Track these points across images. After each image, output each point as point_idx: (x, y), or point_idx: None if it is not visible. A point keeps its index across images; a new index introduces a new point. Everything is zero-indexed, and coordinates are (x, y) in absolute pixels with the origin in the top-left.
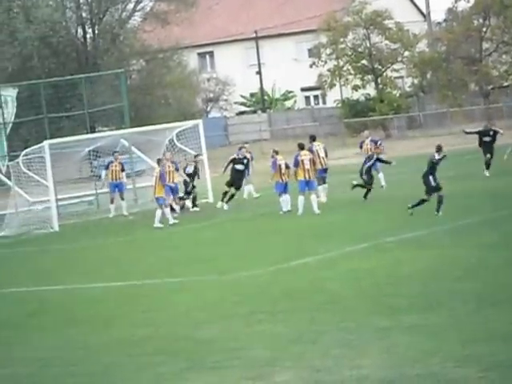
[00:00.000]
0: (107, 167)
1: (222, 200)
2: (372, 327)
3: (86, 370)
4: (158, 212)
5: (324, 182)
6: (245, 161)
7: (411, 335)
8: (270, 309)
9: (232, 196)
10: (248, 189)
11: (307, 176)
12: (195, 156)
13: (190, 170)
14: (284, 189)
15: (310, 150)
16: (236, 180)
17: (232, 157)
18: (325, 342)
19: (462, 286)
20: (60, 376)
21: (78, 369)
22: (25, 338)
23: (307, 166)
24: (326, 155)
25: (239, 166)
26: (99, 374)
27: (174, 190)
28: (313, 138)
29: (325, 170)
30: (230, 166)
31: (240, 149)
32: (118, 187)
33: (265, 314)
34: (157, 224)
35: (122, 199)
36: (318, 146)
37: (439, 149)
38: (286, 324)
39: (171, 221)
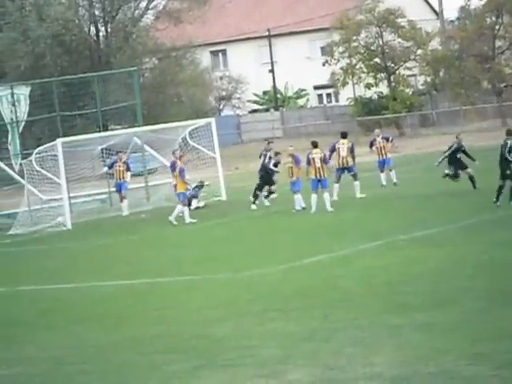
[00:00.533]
0: (111, 167)
1: (254, 202)
2: (385, 325)
3: (98, 368)
4: (181, 208)
5: (338, 181)
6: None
7: (424, 333)
8: (282, 307)
9: (271, 192)
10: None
11: (318, 174)
12: (268, 143)
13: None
14: (298, 187)
15: (333, 147)
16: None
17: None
18: (338, 340)
19: (474, 283)
20: (72, 374)
21: (89, 367)
22: (36, 336)
23: (318, 165)
24: (352, 153)
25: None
26: (111, 372)
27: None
28: (343, 135)
29: (345, 169)
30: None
31: (268, 144)
32: (120, 186)
33: (277, 311)
34: (188, 220)
35: (122, 199)
36: (342, 144)
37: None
38: (298, 322)
39: (187, 220)
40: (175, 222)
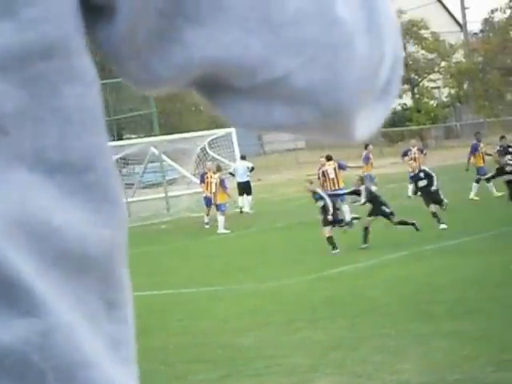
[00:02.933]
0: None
1: None
2: (411, 333)
3: None
4: (221, 218)
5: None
6: None
7: (450, 341)
8: (309, 316)
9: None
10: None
11: (333, 186)
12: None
13: None
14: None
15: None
16: None
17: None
18: (365, 349)
19: (502, 292)
20: None
21: None
22: None
23: (332, 176)
24: (343, 169)
25: None
26: None
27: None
28: (328, 158)
29: (336, 195)
30: None
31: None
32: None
33: (304, 321)
34: (221, 230)
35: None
36: (328, 166)
37: None
38: (325, 331)
39: (221, 230)
40: (226, 231)
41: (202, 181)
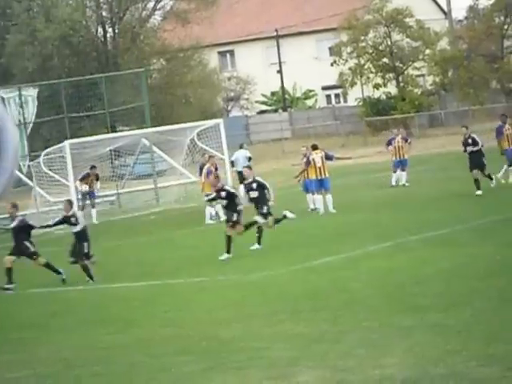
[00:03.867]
0: (83, 178)
1: None
2: (395, 326)
3: (109, 370)
4: (208, 209)
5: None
6: None
7: (434, 334)
8: (292, 308)
9: None
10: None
11: (319, 174)
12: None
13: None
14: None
15: (307, 159)
16: None
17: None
18: (348, 342)
19: (486, 284)
20: (83, 376)
21: (100, 369)
22: (48, 338)
23: (319, 164)
24: (330, 159)
25: None
26: (122, 374)
27: None
28: (314, 147)
29: (322, 181)
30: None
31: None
32: (89, 195)
33: (287, 313)
34: (208, 221)
35: (93, 207)
36: (315, 154)
37: None
38: (308, 324)
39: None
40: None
41: (201, 173)
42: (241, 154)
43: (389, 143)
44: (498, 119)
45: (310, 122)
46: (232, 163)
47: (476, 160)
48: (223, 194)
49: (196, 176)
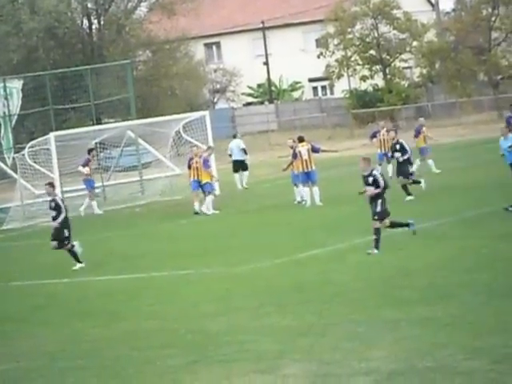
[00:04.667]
0: (86, 165)
1: None
2: (381, 320)
3: (94, 363)
4: (208, 199)
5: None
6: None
7: (421, 327)
8: (278, 301)
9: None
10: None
11: (306, 167)
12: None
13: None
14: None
15: (294, 152)
16: None
17: None
18: (334, 335)
19: (473, 277)
20: (67, 370)
21: (84, 362)
22: (31, 331)
23: (305, 157)
24: (317, 152)
25: None
26: (106, 367)
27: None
28: (300, 139)
29: (308, 174)
30: None
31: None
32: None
33: (273, 306)
34: (210, 211)
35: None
36: (302, 147)
37: None
38: (294, 317)
39: (197, 209)
40: (216, 211)
41: (189, 167)
42: (235, 144)
43: (373, 136)
44: (508, 110)
45: (297, 114)
46: (230, 155)
47: (402, 167)
48: None
49: (181, 169)
